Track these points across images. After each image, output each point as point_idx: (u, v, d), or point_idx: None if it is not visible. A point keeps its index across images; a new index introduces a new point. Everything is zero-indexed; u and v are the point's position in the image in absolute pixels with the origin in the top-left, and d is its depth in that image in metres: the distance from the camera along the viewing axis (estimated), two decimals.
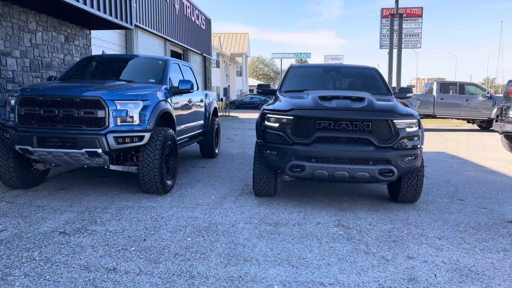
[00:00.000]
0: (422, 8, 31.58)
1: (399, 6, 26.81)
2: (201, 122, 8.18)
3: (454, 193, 6.16)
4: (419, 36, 32.19)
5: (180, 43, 19.86)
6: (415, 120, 4.99)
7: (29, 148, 5.06)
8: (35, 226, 4.25)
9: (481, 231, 4.38)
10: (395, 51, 26.10)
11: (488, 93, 17.63)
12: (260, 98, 39.29)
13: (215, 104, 9.19)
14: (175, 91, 6.42)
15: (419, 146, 5.01)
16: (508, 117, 10.39)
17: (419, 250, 3.79)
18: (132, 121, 5.21)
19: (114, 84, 5.62)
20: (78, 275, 3.14)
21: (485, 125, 17.93)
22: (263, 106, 5.59)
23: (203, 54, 24.92)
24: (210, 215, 4.77)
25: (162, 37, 17.55)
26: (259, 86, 6.73)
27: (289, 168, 4.93)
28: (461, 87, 17.65)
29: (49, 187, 5.99)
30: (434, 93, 17.56)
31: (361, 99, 5.08)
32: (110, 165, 5.49)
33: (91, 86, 5.38)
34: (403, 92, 6.20)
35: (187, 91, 6.53)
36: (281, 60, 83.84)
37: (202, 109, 8.24)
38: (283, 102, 5.30)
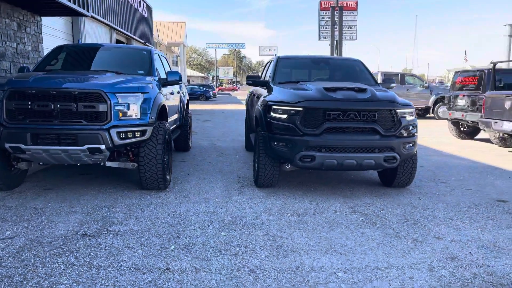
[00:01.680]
0: (357, 1, 32.96)
1: None
2: (178, 114, 7.97)
3: (433, 176, 6.62)
4: (354, 29, 33.63)
5: (124, 31, 19.00)
6: (412, 110, 5.29)
7: (22, 146, 4.64)
8: (48, 230, 3.95)
9: (481, 210, 4.79)
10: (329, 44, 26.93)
11: (426, 83, 18.95)
12: (201, 88, 38.77)
13: (187, 96, 8.99)
14: (163, 83, 6.19)
15: (416, 133, 5.32)
16: (456, 105, 11.29)
17: (442, 231, 4.07)
18: (134, 115, 4.97)
19: (109, 76, 5.31)
20: (134, 277, 3.00)
21: (422, 113, 19.25)
22: (265, 98, 5.60)
23: (146, 43, 24.08)
24: (226, 208, 4.72)
25: (108, 25, 16.68)
26: (248, 77, 6.71)
27: (299, 159, 5.02)
28: (402, 78, 18.78)
29: (32, 187, 5.54)
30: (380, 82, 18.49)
31: (363, 90, 5.27)
32: (107, 162, 5.21)
33: (88, 78, 5.04)
34: (387, 83, 6.49)
35: (176, 82, 6.33)
36: (215, 50, 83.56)
37: (178, 101, 8.03)
38: (288, 93, 5.34)
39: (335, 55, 27.29)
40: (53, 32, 12.29)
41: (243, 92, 65.40)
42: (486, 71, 10.47)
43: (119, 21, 17.93)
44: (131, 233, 3.89)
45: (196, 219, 4.32)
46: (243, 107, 28.27)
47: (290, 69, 6.70)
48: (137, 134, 4.96)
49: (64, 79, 4.96)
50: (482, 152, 9.37)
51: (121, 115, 4.86)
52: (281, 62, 6.68)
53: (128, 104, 4.91)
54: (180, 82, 6.55)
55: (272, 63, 6.86)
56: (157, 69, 6.35)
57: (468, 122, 10.74)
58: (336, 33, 25.70)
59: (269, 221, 4.29)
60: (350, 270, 3.16)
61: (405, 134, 5.14)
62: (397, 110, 5.09)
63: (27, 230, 3.95)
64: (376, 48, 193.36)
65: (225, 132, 12.62)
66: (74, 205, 4.77)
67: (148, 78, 5.76)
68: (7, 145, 4.67)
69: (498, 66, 10.22)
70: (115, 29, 17.73)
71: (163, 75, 6.54)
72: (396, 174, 5.60)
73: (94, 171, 6.46)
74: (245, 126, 9.40)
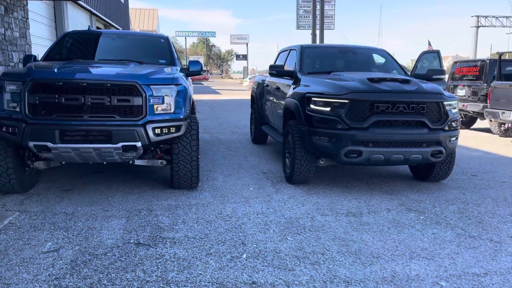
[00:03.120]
0: None
1: None
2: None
3: (459, 169, 6.53)
4: (332, 18, 33.56)
5: (104, 18, 18.13)
6: (456, 102, 5.13)
7: (49, 144, 4.15)
8: (94, 239, 3.53)
9: None
10: (309, 33, 26.79)
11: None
12: None
13: (192, 86, 8.54)
14: (186, 74, 5.77)
15: (459, 127, 5.17)
16: (456, 95, 11.32)
17: (510, 229, 3.92)
18: (169, 109, 4.56)
19: (134, 66, 4.85)
20: None
21: None
22: (298, 90, 5.31)
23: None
24: (274, 209, 4.42)
25: (89, 10, 15.82)
26: (271, 67, 6.37)
27: (344, 154, 4.76)
28: None
29: (49, 188, 5.04)
30: None
31: (407, 81, 5.06)
32: (136, 160, 4.79)
33: (117, 68, 4.58)
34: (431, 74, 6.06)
35: (198, 73, 5.91)
36: (185, 38, 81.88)
37: (192, 93, 7.59)
38: (330, 84, 5.05)
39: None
40: (36, 17, 11.47)
41: (215, 82, 64.55)
42: (488, 61, 10.52)
43: (99, 6, 17.07)
44: (189, 240, 3.53)
45: (250, 222, 3.99)
46: (222, 97, 27.73)
47: (315, 58, 6.40)
48: (172, 130, 4.56)
49: (93, 69, 4.48)
50: (488, 142, 9.42)
51: (156, 109, 4.44)
52: (306, 52, 6.37)
53: (163, 97, 4.50)
54: (201, 73, 6.13)
55: (295, 53, 6.53)
56: (178, 59, 5.91)
57: (469, 112, 10.80)
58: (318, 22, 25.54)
59: (328, 222, 4.03)
60: (450, 278, 2.94)
61: (451, 127, 4.97)
62: (445, 103, 4.91)
63: (69, 239, 3.52)
64: (345, 38, 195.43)
65: (221, 124, 12.23)
66: (108, 209, 4.34)
67: (173, 69, 5.33)
68: (31, 144, 4.16)
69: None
70: (95, 15, 16.88)
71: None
72: (434, 168, 5.44)
73: (106, 169, 5.99)
74: (251, 118, 9.07)
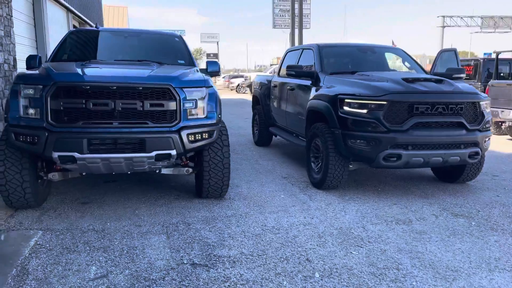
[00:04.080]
0: None
1: None
2: None
3: None
4: (308, 17, 33.63)
5: (80, 15, 17.33)
6: (489, 101, 5.03)
7: (76, 155, 3.74)
8: (141, 261, 3.18)
9: None
10: (282, 31, 26.76)
11: None
12: None
13: None
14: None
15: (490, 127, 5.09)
16: None
17: None
18: (201, 113, 4.22)
19: (157, 67, 4.48)
20: None
21: None
22: (326, 91, 5.07)
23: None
24: (318, 218, 4.17)
25: (66, 7, 15.06)
26: (289, 67, 6.10)
27: (383, 158, 4.57)
28: None
29: (63, 201, 4.60)
30: None
31: (441, 81, 4.92)
32: (162, 169, 4.44)
33: (144, 69, 4.21)
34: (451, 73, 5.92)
35: (216, 73, 5.58)
36: None
37: None
38: (364, 85, 4.83)
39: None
40: (16, 14, 10.72)
41: None
42: (482, 60, 10.64)
43: (75, 3, 16.30)
44: (248, 259, 3.23)
45: (302, 235, 3.73)
46: None
47: (334, 58, 6.17)
48: (205, 136, 4.23)
49: (120, 71, 4.09)
50: None
51: (189, 114, 4.10)
52: (324, 51, 6.14)
53: (196, 100, 4.16)
54: (219, 74, 5.80)
55: (311, 53, 6.29)
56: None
57: None
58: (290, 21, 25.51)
59: (382, 232, 3.81)
60: None
61: (486, 128, 4.87)
62: (481, 102, 4.80)
63: (114, 262, 3.15)
64: (312, 36, 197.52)
65: None
66: (139, 223, 3.96)
67: (193, 69, 4.99)
68: (55, 155, 3.73)
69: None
70: (72, 12, 16.10)
71: None
72: (464, 169, 5.33)
73: (116, 178, 5.55)
74: (253, 120, 8.78)
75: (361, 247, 3.47)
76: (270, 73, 28.23)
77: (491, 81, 9.50)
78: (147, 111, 3.88)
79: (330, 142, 4.92)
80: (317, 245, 3.49)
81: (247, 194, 4.97)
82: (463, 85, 4.96)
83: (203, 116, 4.22)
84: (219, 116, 4.41)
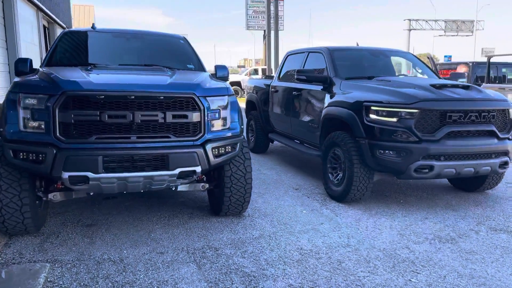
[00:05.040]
0: None
1: None
2: None
3: None
4: (282, 19, 33.46)
5: (50, 14, 16.40)
6: None
7: (90, 175, 3.25)
8: None
9: None
10: (258, 32, 26.55)
11: None
12: None
13: None
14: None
15: None
16: None
17: None
18: (225, 125, 3.82)
19: (171, 73, 4.03)
20: None
21: None
22: (346, 98, 4.77)
23: (68, 28, 21.24)
24: (355, 238, 3.84)
25: (36, 5, 14.15)
26: (299, 72, 5.76)
27: (415, 170, 4.31)
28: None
29: (64, 225, 4.08)
30: None
31: (468, 87, 4.71)
32: (179, 186, 3.99)
33: (160, 75, 3.76)
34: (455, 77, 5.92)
35: (226, 78, 5.15)
36: None
37: None
38: (391, 92, 4.54)
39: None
40: None
41: None
42: (470, 64, 10.68)
43: (45, 1, 15.39)
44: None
45: (346, 259, 3.38)
46: None
47: (346, 62, 5.86)
48: (229, 149, 3.82)
49: (136, 78, 3.63)
50: None
51: (212, 126, 3.68)
52: (335, 55, 5.82)
53: (219, 110, 3.75)
54: (228, 78, 5.37)
55: (321, 56, 5.96)
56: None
57: None
58: (265, 22, 25.30)
59: (430, 253, 3.52)
60: None
61: None
62: (510, 110, 4.62)
63: None
64: (279, 39, 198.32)
65: None
66: (161, 250, 3.51)
67: (207, 75, 4.56)
68: (65, 175, 3.23)
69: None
70: (42, 10, 15.19)
71: None
72: (486, 178, 5.15)
73: (118, 195, 5.03)
74: (248, 125, 8.38)
75: (417, 273, 3.16)
76: (245, 75, 27.87)
77: (484, 84, 9.51)
78: (169, 124, 3.44)
79: (354, 153, 4.61)
80: (369, 272, 3.15)
81: (265, 210, 4.58)
82: (491, 92, 4.77)
83: (226, 128, 3.81)
84: (242, 127, 4.01)
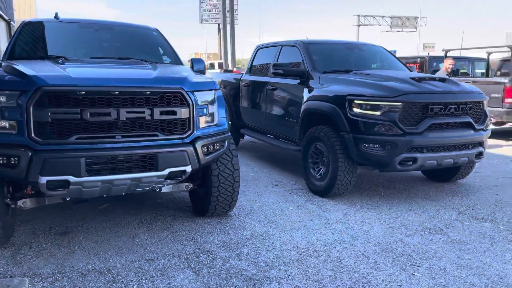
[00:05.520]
0: None
1: None
2: None
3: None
4: (236, 13, 33.20)
5: None
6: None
7: (71, 179, 2.95)
8: None
9: None
10: (213, 26, 26.36)
11: None
12: None
13: None
14: None
15: None
16: None
17: None
18: (212, 120, 3.62)
19: (152, 67, 3.78)
20: None
21: None
22: (327, 92, 4.72)
23: (9, 21, 19.91)
24: (348, 233, 3.79)
25: None
26: (276, 66, 5.64)
27: (399, 162, 4.33)
28: None
29: (34, 233, 3.73)
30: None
31: (445, 80, 4.81)
32: (163, 187, 3.77)
33: (145, 69, 3.50)
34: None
35: (203, 72, 4.93)
36: None
37: None
38: (374, 86, 4.52)
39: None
40: None
41: None
42: (427, 57, 11.03)
43: None
44: None
45: (345, 256, 3.31)
46: None
47: (321, 56, 5.78)
48: (217, 146, 3.63)
49: (118, 72, 3.34)
50: None
51: (201, 122, 3.48)
52: (311, 48, 5.74)
53: (207, 106, 3.56)
54: (204, 72, 5.14)
55: (296, 50, 5.85)
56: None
57: None
58: (220, 16, 25.08)
59: (424, 245, 3.53)
60: None
61: (487, 127, 4.84)
62: (484, 102, 4.75)
63: None
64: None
65: None
66: (150, 256, 3.27)
67: (188, 68, 4.35)
68: (43, 180, 2.91)
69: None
70: None
71: None
72: (459, 168, 5.29)
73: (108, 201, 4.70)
74: None
75: (418, 266, 3.14)
76: None
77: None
78: (156, 121, 3.20)
79: (338, 147, 4.56)
80: (371, 268, 3.09)
81: (250, 208, 4.44)
82: (467, 85, 4.89)
83: (213, 124, 3.62)
84: (229, 122, 3.84)
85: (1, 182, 3.23)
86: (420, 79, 4.66)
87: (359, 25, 52.05)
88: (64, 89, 2.92)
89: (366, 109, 4.39)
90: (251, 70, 7.12)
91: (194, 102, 3.35)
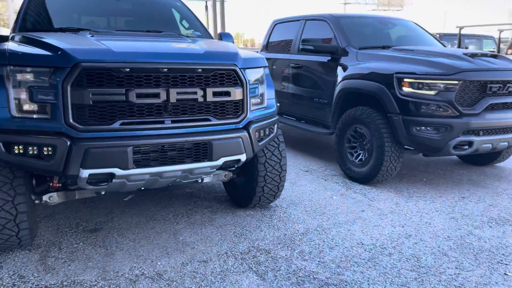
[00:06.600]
0: None
1: None
2: None
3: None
4: None
5: None
6: None
7: (118, 171, 2.51)
8: None
9: None
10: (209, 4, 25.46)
11: None
12: None
13: None
14: None
15: None
16: None
17: None
18: (262, 102, 3.20)
19: (200, 40, 3.32)
20: None
21: None
22: (379, 67, 4.32)
23: None
24: (410, 226, 3.45)
25: None
26: (305, 41, 5.21)
27: (454, 146, 4.00)
28: None
29: (61, 231, 3.29)
30: None
31: (496, 56, 4.46)
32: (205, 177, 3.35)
33: (190, 43, 3.04)
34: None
35: None
36: None
37: None
38: (423, 62, 4.14)
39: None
40: None
41: None
42: (437, 35, 10.68)
43: None
44: None
45: (419, 252, 2.98)
46: None
47: (354, 30, 5.32)
48: (267, 131, 3.21)
49: (164, 46, 2.87)
50: None
51: (253, 104, 3.05)
52: (343, 22, 5.30)
53: (258, 85, 3.13)
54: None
55: (325, 24, 5.40)
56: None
57: None
58: None
59: (498, 238, 3.23)
60: None
61: None
62: None
63: None
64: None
65: None
66: (203, 258, 2.88)
67: (229, 43, 3.87)
68: (85, 173, 2.46)
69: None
70: None
71: None
72: (501, 152, 4.99)
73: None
74: None
75: (506, 264, 2.83)
76: None
77: None
78: (209, 103, 2.75)
79: (384, 130, 4.18)
80: (456, 268, 2.76)
81: (290, 198, 4.07)
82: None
83: (263, 106, 3.20)
84: (278, 104, 3.42)
85: (30, 177, 2.78)
86: (473, 55, 4.30)
87: (345, 4, 51.45)
88: (107, 65, 2.44)
89: (418, 88, 4.01)
90: (267, 47, 6.65)
91: (247, 82, 2.91)
